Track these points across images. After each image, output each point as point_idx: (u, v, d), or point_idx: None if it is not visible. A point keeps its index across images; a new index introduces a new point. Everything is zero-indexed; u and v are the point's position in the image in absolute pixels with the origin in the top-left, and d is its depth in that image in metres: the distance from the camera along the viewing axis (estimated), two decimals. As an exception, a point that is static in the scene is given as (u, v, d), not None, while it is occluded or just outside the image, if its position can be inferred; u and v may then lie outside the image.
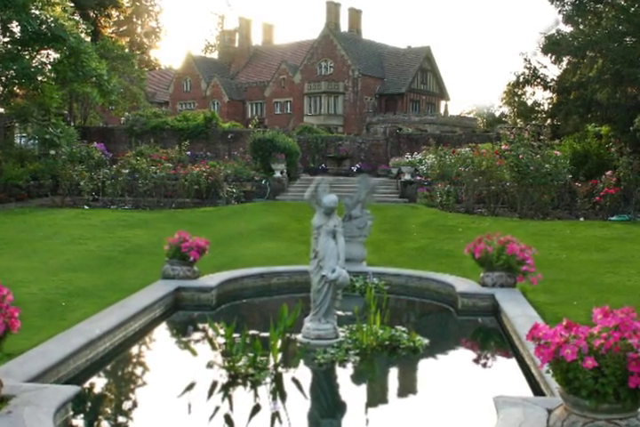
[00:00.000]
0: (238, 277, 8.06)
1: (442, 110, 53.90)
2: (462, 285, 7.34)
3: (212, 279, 7.53)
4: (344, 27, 57.33)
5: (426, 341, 5.47)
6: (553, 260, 10.07)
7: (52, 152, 17.32)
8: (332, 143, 25.14)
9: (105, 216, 14.65)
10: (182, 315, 6.66)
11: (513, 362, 5.08)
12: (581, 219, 15.70)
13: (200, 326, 6.26)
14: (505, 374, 4.98)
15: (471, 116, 55.67)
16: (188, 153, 23.37)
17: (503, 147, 16.91)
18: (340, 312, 5.65)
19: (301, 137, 24.82)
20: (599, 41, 18.26)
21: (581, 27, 21.05)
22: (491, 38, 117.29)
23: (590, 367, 3.01)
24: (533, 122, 21.09)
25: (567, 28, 21.38)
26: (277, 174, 19.35)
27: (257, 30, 65.77)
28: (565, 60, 21.56)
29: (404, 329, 5.65)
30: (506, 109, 39.48)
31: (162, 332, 6.09)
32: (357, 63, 52.16)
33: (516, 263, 7.10)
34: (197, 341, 5.62)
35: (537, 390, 4.36)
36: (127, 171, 18.07)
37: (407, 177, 19.21)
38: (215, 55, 66.39)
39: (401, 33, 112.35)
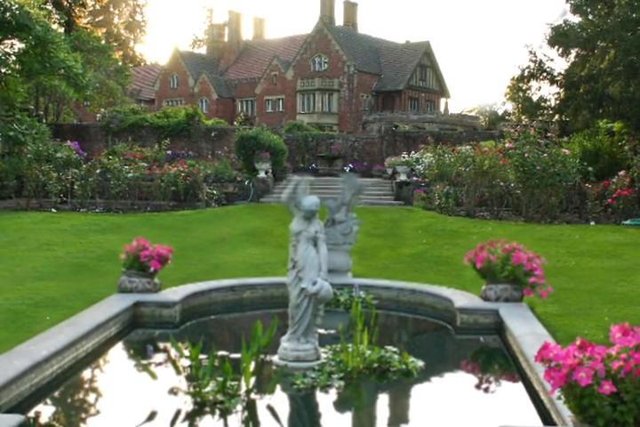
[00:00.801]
0: (205, 290, 7.60)
1: (442, 108, 54.05)
2: (461, 299, 6.92)
3: (175, 293, 7.10)
4: (339, 21, 57.51)
5: (420, 363, 5.25)
6: (561, 267, 9.93)
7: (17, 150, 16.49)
8: (323, 142, 24.81)
9: (75, 220, 14.47)
10: (141, 334, 6.42)
11: (519, 387, 4.82)
12: (592, 223, 15.55)
13: (162, 346, 6.01)
14: (510, 401, 4.74)
15: (473, 114, 55.20)
16: (169, 152, 22.99)
17: (507, 145, 16.66)
18: (321, 330, 5.47)
19: (290, 135, 24.52)
20: (611, 30, 17.84)
21: (590, 17, 20.80)
22: (494, 32, 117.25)
23: (608, 393, 2.84)
24: (540, 118, 20.65)
25: (575, 19, 21.19)
26: (262, 175, 18.90)
27: (247, 24, 66.34)
28: (574, 52, 21.31)
29: (395, 350, 5.44)
30: (509, 107, 39.18)
31: (118, 353, 5.85)
32: (353, 59, 52.16)
33: (523, 275, 6.68)
34: (159, 363, 5.31)
35: (547, 418, 4.08)
36: (98, 171, 17.64)
37: (403, 178, 18.86)
38: (203, 50, 66.37)
39: (399, 27, 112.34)
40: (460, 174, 16.85)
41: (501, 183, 16.54)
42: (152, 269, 6.86)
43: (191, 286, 7.63)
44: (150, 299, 6.67)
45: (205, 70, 58.43)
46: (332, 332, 5.84)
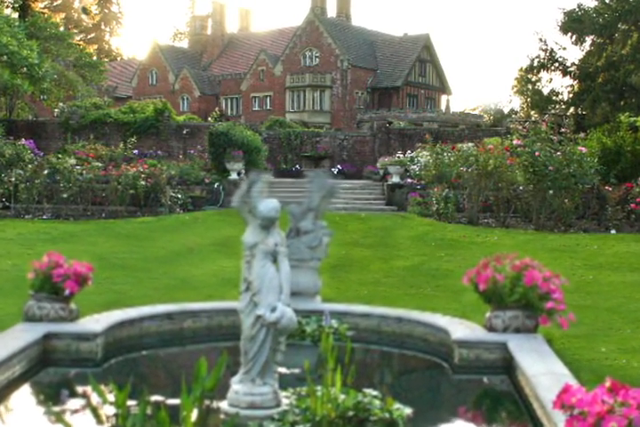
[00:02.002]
0: (136, 318, 6.79)
1: (443, 106, 54.26)
2: (460, 329, 6.20)
3: (97, 322, 6.34)
4: (331, 12, 57.89)
5: (407, 410, 4.74)
6: (577, 282, 9.63)
7: None
8: (308, 140, 24.43)
9: (21, 228, 14.17)
10: (53, 373, 5.87)
11: (534, 441, 4.32)
12: (612, 231, 15.41)
13: (79, 389, 5.43)
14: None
15: (476, 113, 54.85)
16: (135, 151, 22.37)
17: (515, 142, 16.23)
18: (282, 369, 5.12)
19: (271, 132, 24.23)
20: (634, 11, 16.93)
21: (607, 1, 20.30)
22: (499, 22, 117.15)
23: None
24: (552, 111, 20.13)
25: (591, 3, 21.90)
26: (233, 176, 18.21)
27: (232, 16, 68.00)
28: (589, 39, 20.97)
29: (375, 394, 4.93)
30: (517, 103, 38.64)
31: (23, 398, 5.21)
32: (346, 53, 52.37)
33: (538, 298, 5.93)
34: (75, 411, 4.76)
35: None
36: (46, 172, 16.89)
37: (395, 179, 18.37)
38: (185, 44, 67.22)
39: (396, 19, 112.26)
40: (460, 176, 16.62)
41: (509, 186, 16.33)
42: (67, 291, 6.15)
43: (117, 314, 6.79)
44: (65, 329, 6.01)
45: (187, 65, 58.74)
46: (297, 371, 5.45)
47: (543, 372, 4.95)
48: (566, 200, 15.65)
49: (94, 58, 41.72)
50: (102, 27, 62.51)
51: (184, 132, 24.30)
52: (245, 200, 4.60)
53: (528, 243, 12.99)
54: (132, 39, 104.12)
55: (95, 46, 58.92)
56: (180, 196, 17.26)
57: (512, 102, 49.95)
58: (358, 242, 13.14)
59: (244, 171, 18.32)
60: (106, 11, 62.24)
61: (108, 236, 13.52)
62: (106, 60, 55.29)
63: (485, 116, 52.83)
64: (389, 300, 8.59)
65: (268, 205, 4.52)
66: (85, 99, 26.17)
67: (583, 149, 15.90)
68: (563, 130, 16.36)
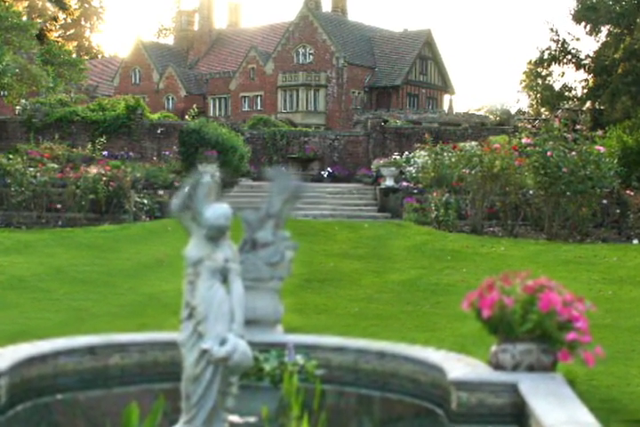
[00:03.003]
0: (49, 353, 5.97)
1: (445, 107, 54.00)
2: (459, 366, 5.51)
3: (0, 358, 5.58)
4: (326, 6, 57.37)
5: None
6: (595, 298, 9.23)
7: None
8: (295, 140, 24.19)
9: None
10: None
11: None
12: (635, 241, 15.32)
13: None
14: None
15: (481, 113, 54.85)
16: (105, 153, 21.96)
17: (524, 140, 16.26)
18: (234, 417, 4.68)
19: (254, 132, 24.02)
20: None
21: None
22: (506, 15, 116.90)
23: None
24: (566, 106, 20.12)
25: None
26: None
27: (221, 10, 69.47)
28: (605, 30, 20.74)
29: None
30: (525, 103, 38.51)
31: None
32: (342, 50, 52.05)
33: (557, 328, 5.08)
34: None
35: None
36: None
37: (389, 183, 17.93)
38: (170, 40, 66.55)
39: (395, 13, 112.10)
40: (463, 178, 16.32)
41: (517, 190, 16.09)
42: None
43: (25, 348, 5.99)
44: (-43, 368, 5.22)
45: (172, 63, 58.40)
46: (252, 420, 4.97)
47: (564, 421, 4.29)
48: (582, 206, 15.45)
49: (74, 55, 42.41)
50: (82, 22, 62.36)
51: (158, 131, 23.85)
52: (187, 204, 4.41)
53: (539, 254, 12.94)
54: (114, 36, 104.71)
55: (74, 43, 59.23)
56: (145, 201, 16.95)
57: (520, 102, 50.51)
58: (348, 253, 13.04)
59: (218, 173, 17.59)
60: (86, 5, 61.89)
61: (67, 246, 13.36)
62: (86, 57, 55.14)
63: (491, 116, 53.00)
64: (383, 318, 8.47)
65: (217, 210, 4.31)
66: (50, 95, 25.99)
67: (601, 148, 15.71)
68: (578, 127, 16.57)
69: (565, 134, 15.75)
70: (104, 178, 16.68)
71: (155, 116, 24.84)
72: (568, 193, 15.04)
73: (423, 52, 54.64)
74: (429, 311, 9.00)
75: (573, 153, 15.18)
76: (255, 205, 5.98)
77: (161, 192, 17.63)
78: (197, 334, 4.31)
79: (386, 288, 10.68)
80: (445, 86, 57.05)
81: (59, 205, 16.87)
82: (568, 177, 14.90)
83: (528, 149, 15.62)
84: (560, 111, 19.55)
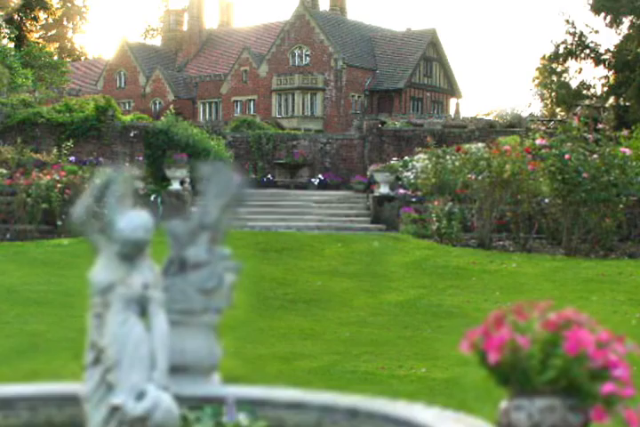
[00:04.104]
0: None
1: (452, 111, 54.37)
2: None
3: None
4: (324, 5, 57.82)
5: None
6: (619, 322, 9.17)
7: None
8: (282, 144, 23.69)
9: None
10: None
11: None
12: None
13: None
14: None
15: (490, 118, 54.96)
16: (72, 158, 21.24)
17: (538, 142, 15.69)
18: None
19: (238, 135, 23.47)
20: None
21: None
22: (516, 10, 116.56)
23: None
24: (586, 102, 19.67)
25: None
26: (175, 186, 17.21)
27: (212, 9, 71.18)
28: (626, 21, 20.17)
29: None
30: (537, 107, 38.41)
31: None
32: (341, 51, 52.23)
33: (589, 377, 4.13)
34: None
35: None
36: None
37: (384, 190, 17.36)
38: (158, 41, 67.31)
39: (397, 12, 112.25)
40: (468, 185, 15.85)
41: (531, 198, 15.67)
42: None
43: None
44: None
45: (160, 66, 58.65)
46: None
47: None
48: (606, 217, 14.98)
49: (55, 58, 41.90)
50: (64, 23, 63.03)
51: (131, 134, 23.30)
52: (95, 212, 4.14)
53: (556, 272, 12.66)
54: (98, 36, 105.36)
55: (56, 45, 60.79)
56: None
57: (532, 106, 50.89)
58: (338, 270, 12.79)
59: (188, 179, 17.50)
60: (68, 4, 62.50)
61: (18, 262, 13.08)
62: (68, 59, 55.57)
63: (501, 121, 53.22)
64: (378, 344, 8.34)
65: (133, 220, 3.94)
66: (12, 95, 25.54)
67: (627, 150, 15.23)
68: (600, 126, 16.14)
69: (586, 135, 15.33)
70: (59, 185, 16.22)
71: (127, 118, 24.42)
72: (589, 202, 14.62)
73: (427, 52, 54.68)
74: (431, 337, 8.86)
75: (595, 156, 14.74)
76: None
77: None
78: (106, 386, 3.87)
79: (381, 310, 10.58)
80: (451, 89, 57.18)
81: (7, 216, 16.55)
82: (589, 183, 14.42)
83: (543, 151, 15.12)
84: (579, 108, 19.20)
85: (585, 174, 14.43)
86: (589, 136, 15.38)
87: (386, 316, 10.21)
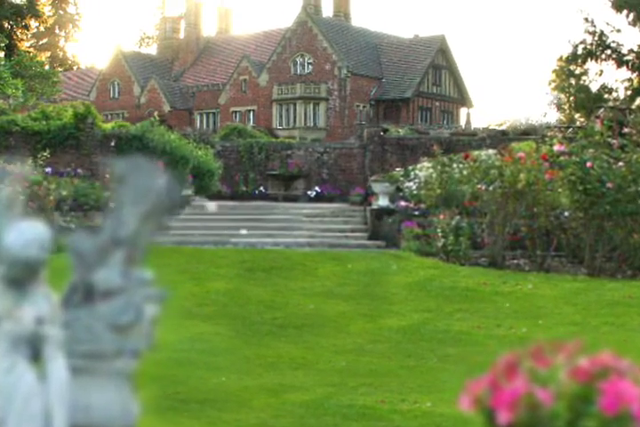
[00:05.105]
0: None
1: (462, 121, 54.51)
2: None
3: None
4: (327, 11, 58.01)
5: None
6: None
7: None
8: (275, 153, 23.59)
9: None
10: None
11: None
12: None
13: None
14: None
15: (503, 128, 54.84)
16: (48, 170, 20.55)
17: (556, 148, 15.17)
18: None
19: (227, 144, 23.44)
20: None
21: None
22: (530, 12, 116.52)
23: None
24: (609, 104, 19.25)
25: None
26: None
27: (210, 17, 70.95)
28: None
29: None
30: (553, 117, 37.94)
31: None
32: (345, 58, 52.38)
33: None
34: None
35: None
36: None
37: (382, 202, 16.86)
38: (153, 50, 67.79)
39: (404, 18, 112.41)
40: (478, 197, 15.40)
41: (548, 211, 15.13)
42: None
43: None
44: None
45: (155, 75, 59.01)
46: None
47: None
48: (633, 232, 14.42)
49: (46, 67, 41.97)
50: (56, 31, 63.73)
51: (112, 144, 22.50)
52: None
53: (578, 294, 12.31)
54: (92, 45, 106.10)
55: (47, 54, 61.59)
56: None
57: (547, 116, 50.66)
58: (332, 292, 12.49)
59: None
60: (61, 12, 63.74)
61: None
62: (60, 69, 55.98)
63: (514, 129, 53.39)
64: (377, 375, 8.09)
65: (24, 233, 3.51)
66: None
67: None
68: (626, 130, 15.66)
69: (610, 140, 14.81)
70: (21, 197, 15.12)
71: (108, 126, 23.85)
72: (614, 215, 14.09)
73: (436, 60, 54.87)
74: (436, 367, 8.68)
75: (621, 163, 14.20)
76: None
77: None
78: (-21, 455, 3.53)
79: (381, 337, 10.36)
80: (462, 98, 57.33)
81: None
82: (614, 194, 13.92)
83: (562, 158, 14.57)
84: (602, 111, 18.83)
85: (609, 184, 13.89)
86: (614, 141, 14.83)
87: (386, 343, 10.04)
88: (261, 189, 23.13)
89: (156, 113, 25.53)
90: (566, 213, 14.97)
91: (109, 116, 57.39)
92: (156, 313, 4.38)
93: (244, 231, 15.74)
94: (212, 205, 17.14)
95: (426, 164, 17.80)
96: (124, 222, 4.30)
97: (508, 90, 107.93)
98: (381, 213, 17.00)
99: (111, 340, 4.34)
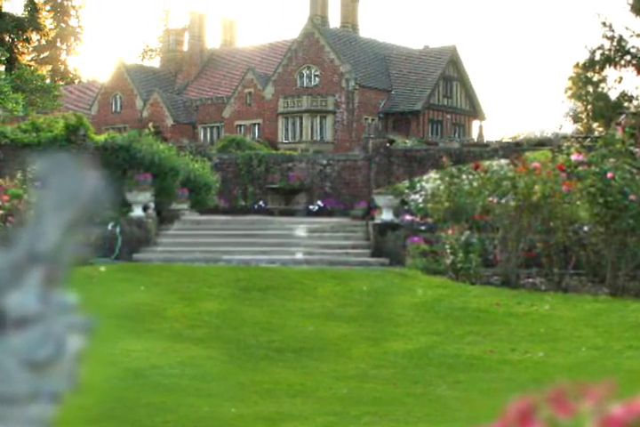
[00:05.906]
0: None
1: (475, 134, 54.57)
2: None
3: None
4: (335, 22, 58.20)
5: None
6: None
7: None
8: (276, 166, 23.49)
9: None
10: None
11: None
12: None
13: None
14: None
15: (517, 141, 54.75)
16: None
17: (574, 157, 15.07)
18: None
19: (225, 156, 23.34)
20: None
21: None
22: (544, 19, 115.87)
23: None
24: (632, 110, 18.04)
25: None
26: (137, 212, 16.57)
27: (214, 29, 69.47)
28: None
29: None
30: (570, 127, 37.38)
31: None
32: (353, 70, 52.54)
33: None
34: None
35: None
36: None
37: (386, 216, 16.53)
38: (156, 62, 69.48)
39: (414, 28, 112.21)
40: (489, 210, 15.18)
41: (566, 226, 14.95)
42: None
43: None
44: None
45: (158, 88, 59.53)
46: None
47: None
48: None
49: (47, 81, 41.97)
50: (58, 44, 63.98)
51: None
52: None
53: (599, 315, 12.19)
54: (93, 58, 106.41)
55: (49, 67, 62.53)
56: None
57: (563, 128, 50.33)
58: (333, 313, 12.41)
59: (152, 204, 16.71)
60: (62, 25, 64.35)
61: None
62: (61, 83, 56.99)
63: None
64: (382, 403, 7.93)
65: None
66: None
67: None
68: None
69: (632, 148, 14.59)
70: (0, 211, 15.68)
71: (101, 138, 23.10)
72: (638, 230, 13.82)
73: (447, 71, 54.91)
74: (446, 394, 8.50)
75: None
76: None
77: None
78: None
79: (386, 362, 10.18)
80: (474, 111, 57.43)
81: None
82: (638, 207, 13.68)
83: (580, 169, 14.39)
84: (623, 117, 18.35)
85: (632, 197, 13.66)
86: (637, 150, 14.65)
87: (391, 368, 9.83)
88: (261, 203, 22.98)
89: (150, 124, 25.40)
90: (585, 228, 14.72)
91: (112, 131, 59.96)
92: (80, 346, 3.66)
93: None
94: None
95: (433, 175, 17.50)
96: (43, 234, 3.54)
97: (521, 101, 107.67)
98: (385, 228, 16.78)
99: (25, 379, 3.59)
